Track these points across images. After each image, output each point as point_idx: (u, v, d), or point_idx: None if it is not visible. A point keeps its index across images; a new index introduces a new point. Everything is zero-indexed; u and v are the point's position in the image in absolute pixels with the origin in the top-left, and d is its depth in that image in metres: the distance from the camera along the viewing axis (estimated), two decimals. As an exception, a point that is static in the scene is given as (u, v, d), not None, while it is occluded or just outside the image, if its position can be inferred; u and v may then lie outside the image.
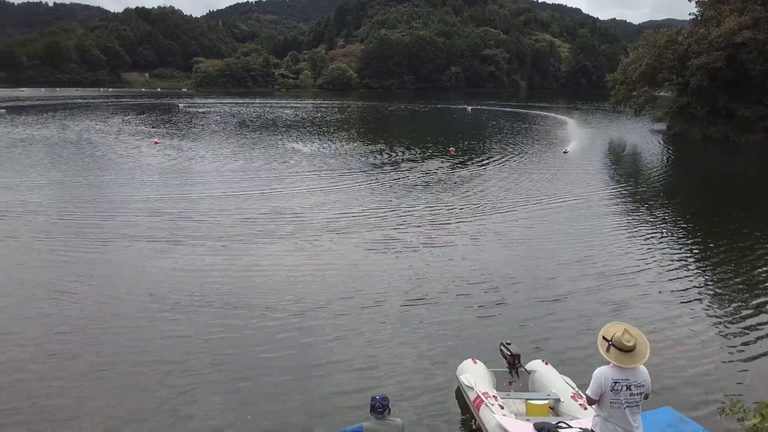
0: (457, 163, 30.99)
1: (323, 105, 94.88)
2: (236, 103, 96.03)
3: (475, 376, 7.97)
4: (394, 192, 23.35)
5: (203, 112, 73.15)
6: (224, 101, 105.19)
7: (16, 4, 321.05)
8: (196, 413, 7.84)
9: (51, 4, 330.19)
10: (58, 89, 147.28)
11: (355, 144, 40.17)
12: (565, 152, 34.25)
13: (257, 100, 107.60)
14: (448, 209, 20.34)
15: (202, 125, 54.87)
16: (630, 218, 19.66)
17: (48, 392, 8.28)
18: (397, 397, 7.79)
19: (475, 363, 8.35)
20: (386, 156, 33.98)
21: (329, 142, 41.14)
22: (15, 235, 16.41)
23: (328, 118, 66.18)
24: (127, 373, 8.85)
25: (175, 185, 24.52)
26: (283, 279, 12.96)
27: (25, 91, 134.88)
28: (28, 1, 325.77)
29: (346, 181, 25.83)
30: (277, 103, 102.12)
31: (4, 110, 65.68)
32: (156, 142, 39.00)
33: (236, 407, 8.00)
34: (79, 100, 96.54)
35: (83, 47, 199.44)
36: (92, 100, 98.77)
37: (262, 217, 18.81)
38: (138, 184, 24.70)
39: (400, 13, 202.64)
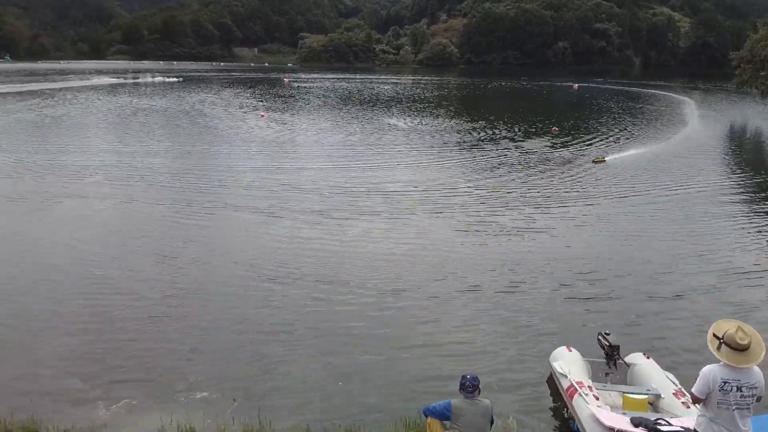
0: (559, 144, 29.62)
1: (422, 81, 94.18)
2: (338, 79, 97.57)
3: (569, 364, 7.67)
4: (493, 171, 22.70)
5: (307, 87, 74.95)
6: (326, 76, 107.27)
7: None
8: (287, 385, 7.99)
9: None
10: (175, 63, 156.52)
11: (453, 121, 39.49)
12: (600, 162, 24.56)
13: (358, 76, 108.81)
14: (549, 192, 19.46)
15: (305, 99, 56.22)
16: (756, 211, 17.86)
17: (153, 353, 8.75)
18: (487, 380, 7.54)
19: (570, 351, 8.03)
20: (485, 134, 33.12)
21: (427, 119, 40.73)
22: (130, 200, 17.58)
23: (426, 94, 65.60)
24: (225, 339, 9.20)
25: (277, 157, 25.27)
26: (377, 256, 12.94)
27: (146, 64, 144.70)
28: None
29: (443, 158, 25.44)
30: (377, 78, 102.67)
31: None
32: (262, 115, 40.40)
33: (327, 380, 8.07)
34: (194, 74, 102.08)
35: (198, 22, 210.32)
36: (205, 74, 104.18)
37: (358, 191, 18.93)
38: (243, 154, 25.69)
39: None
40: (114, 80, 78.62)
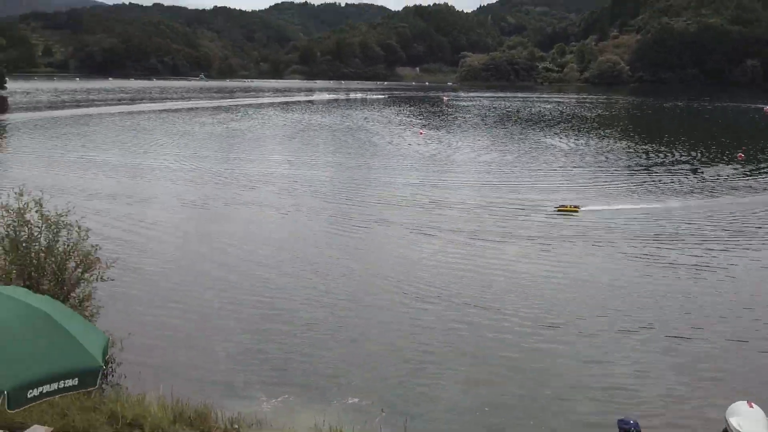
0: (746, 172, 26.43)
1: (588, 100, 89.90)
2: (497, 97, 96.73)
3: (750, 422, 6.63)
4: (664, 198, 20.83)
5: (465, 105, 75.31)
6: (485, 95, 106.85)
7: (316, 5, 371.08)
8: (433, 407, 7.90)
9: (343, 4, 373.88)
10: (343, 82, 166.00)
11: (621, 142, 37.09)
12: None
13: (518, 94, 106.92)
14: (734, 225, 17.37)
15: (464, 117, 56.49)
16: None
17: (311, 357, 9.19)
18: (652, 428, 6.85)
19: (752, 407, 6.93)
20: (657, 157, 30.62)
21: (591, 139, 38.71)
22: (296, 209, 18.83)
23: (592, 113, 62.45)
24: (375, 352, 9.37)
25: (432, 173, 25.57)
26: (530, 283, 12.44)
27: (318, 83, 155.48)
28: (325, 2, 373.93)
29: (607, 181, 23.93)
30: (538, 97, 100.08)
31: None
32: (420, 133, 41.29)
33: (474, 409, 7.86)
34: (359, 94, 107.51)
35: (366, 44, 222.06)
36: (369, 93, 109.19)
37: (511, 212, 18.44)
38: (400, 170, 26.36)
39: (687, 0, 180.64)
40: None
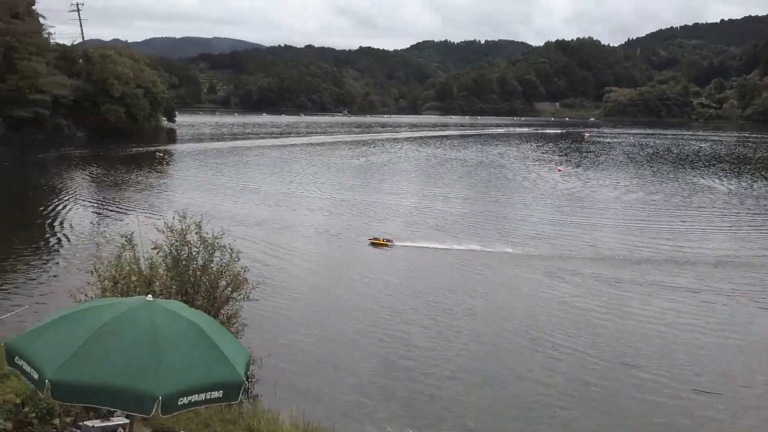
0: None
1: (750, 139, 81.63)
2: (645, 134, 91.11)
3: None
4: None
5: (609, 142, 71.77)
6: (631, 131, 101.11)
7: (456, 42, 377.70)
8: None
9: (483, 42, 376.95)
10: (479, 117, 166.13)
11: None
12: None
13: (669, 131, 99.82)
14: None
15: (607, 155, 53.82)
16: None
17: (433, 396, 9.08)
18: None
19: None
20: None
21: (755, 182, 34.98)
22: (426, 238, 18.88)
23: (755, 154, 56.52)
24: (499, 399, 9.06)
25: (569, 211, 24.50)
26: (680, 338, 11.25)
27: (453, 119, 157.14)
28: (465, 40, 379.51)
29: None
30: (692, 135, 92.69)
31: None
32: (559, 169, 39.97)
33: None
34: (494, 129, 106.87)
35: (504, 79, 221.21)
36: (506, 128, 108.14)
37: (657, 258, 17.03)
38: (535, 206, 25.57)
39: None
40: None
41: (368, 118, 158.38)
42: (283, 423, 6.69)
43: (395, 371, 9.76)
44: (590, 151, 57.66)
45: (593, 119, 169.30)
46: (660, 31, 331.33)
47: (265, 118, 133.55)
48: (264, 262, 15.74)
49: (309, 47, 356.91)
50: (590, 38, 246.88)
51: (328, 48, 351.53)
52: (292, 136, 74.83)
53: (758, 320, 12.32)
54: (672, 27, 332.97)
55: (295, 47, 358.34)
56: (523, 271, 15.83)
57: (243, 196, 27.25)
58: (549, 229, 21.07)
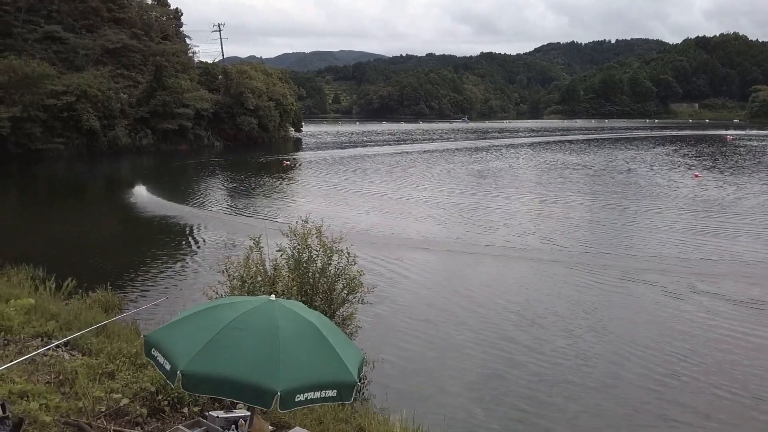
0: None
1: None
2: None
3: None
4: None
5: (755, 146, 65.02)
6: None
7: (583, 43, 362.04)
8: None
9: (613, 41, 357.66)
10: (606, 120, 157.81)
11: None
12: None
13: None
14: None
15: (753, 159, 48.79)
16: None
17: (542, 415, 8.74)
18: None
19: None
20: None
21: None
22: (549, 255, 18.20)
23: None
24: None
25: (709, 220, 22.43)
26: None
27: (578, 122, 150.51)
28: (593, 41, 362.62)
29: None
30: None
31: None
32: (696, 175, 36.88)
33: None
34: (624, 132, 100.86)
35: (636, 80, 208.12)
36: (637, 132, 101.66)
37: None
38: (669, 215, 23.73)
39: None
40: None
41: (486, 124, 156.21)
42: (393, 425, 6.77)
43: (505, 381, 9.51)
44: (733, 155, 52.56)
45: (737, 120, 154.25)
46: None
47: (384, 126, 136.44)
48: (379, 266, 16.05)
49: (429, 55, 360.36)
50: (735, 33, 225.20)
51: (449, 55, 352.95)
52: (408, 143, 75.77)
53: None
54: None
55: (416, 56, 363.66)
56: (653, 290, 14.68)
57: (361, 201, 28.01)
58: (683, 240, 19.46)
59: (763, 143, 68.85)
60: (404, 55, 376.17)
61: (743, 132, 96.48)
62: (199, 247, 19.05)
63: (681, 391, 9.19)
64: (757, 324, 11.99)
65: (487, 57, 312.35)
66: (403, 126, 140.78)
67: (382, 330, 11.57)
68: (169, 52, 65.59)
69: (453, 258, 17.55)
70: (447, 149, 64.45)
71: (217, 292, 8.69)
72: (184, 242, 19.99)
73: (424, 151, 61.46)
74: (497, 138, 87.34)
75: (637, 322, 12.23)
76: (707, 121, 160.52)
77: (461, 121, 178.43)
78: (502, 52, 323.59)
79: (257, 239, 9.29)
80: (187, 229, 22.28)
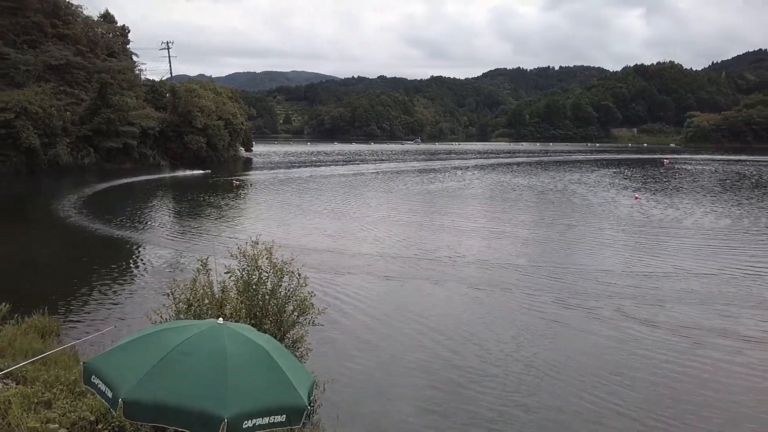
0: None
1: None
2: (730, 161, 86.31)
3: None
4: None
5: (691, 169, 68.45)
6: (716, 157, 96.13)
7: (528, 70, 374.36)
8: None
9: (557, 68, 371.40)
10: (551, 144, 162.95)
11: None
12: None
13: (757, 158, 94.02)
14: None
15: (688, 182, 51.31)
16: None
17: (489, 417, 8.82)
18: None
19: None
20: None
21: None
22: (494, 277, 18.53)
23: None
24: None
25: (647, 243, 23.35)
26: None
27: (524, 145, 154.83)
28: (538, 67, 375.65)
29: None
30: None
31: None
32: (636, 197, 38.43)
33: None
34: (567, 156, 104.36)
35: (578, 105, 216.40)
36: (579, 155, 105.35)
37: (739, 304, 15.69)
38: (610, 237, 24.54)
39: None
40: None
41: (437, 146, 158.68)
42: (345, 450, 6.69)
43: (454, 401, 9.57)
44: (671, 178, 55.14)
45: (674, 145, 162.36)
46: (747, 54, 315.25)
47: (335, 147, 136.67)
48: (329, 287, 15.95)
49: (381, 78, 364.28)
50: (671, 62, 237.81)
51: (400, 78, 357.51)
52: (359, 164, 76.13)
53: None
54: (761, 49, 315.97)
55: (368, 78, 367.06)
56: (599, 316, 15.12)
57: (312, 222, 27.85)
58: (623, 262, 20.16)
59: (698, 167, 72.53)
60: (356, 77, 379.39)
61: (679, 156, 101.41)
62: (143, 270, 18.45)
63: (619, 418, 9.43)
64: (688, 349, 12.46)
65: (437, 81, 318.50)
66: (355, 147, 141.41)
67: (333, 351, 11.47)
68: (114, 69, 64.01)
69: (403, 279, 17.60)
70: (399, 170, 65.07)
71: (161, 316, 8.42)
72: (127, 265, 19.32)
73: (376, 172, 61.86)
74: (447, 159, 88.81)
75: (583, 348, 12.53)
76: (645, 145, 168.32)
77: (413, 142, 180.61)
78: (452, 77, 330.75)
79: (205, 261, 9.09)
80: (131, 250, 21.59)
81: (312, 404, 6.23)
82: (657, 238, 24.34)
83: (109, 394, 4.08)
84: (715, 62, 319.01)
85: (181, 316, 8.34)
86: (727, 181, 52.75)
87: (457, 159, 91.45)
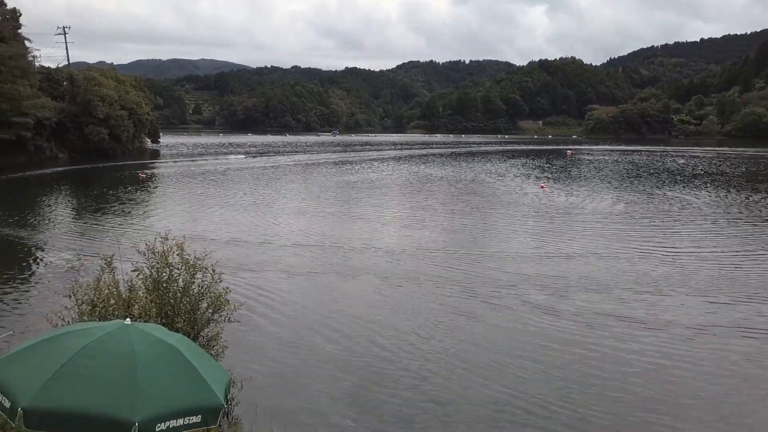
0: None
1: (729, 154, 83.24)
2: (626, 151, 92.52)
3: None
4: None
5: (591, 159, 72.70)
6: (614, 148, 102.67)
7: (441, 63, 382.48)
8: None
9: (467, 62, 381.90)
10: (463, 135, 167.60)
11: (764, 196, 33.92)
12: None
13: (651, 147, 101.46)
14: None
15: (589, 171, 54.50)
16: None
17: (411, 415, 9.06)
18: None
19: None
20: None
21: (727, 194, 35.77)
22: (411, 265, 18.91)
23: (733, 169, 57.55)
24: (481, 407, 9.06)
25: (552, 229, 24.65)
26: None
27: (438, 137, 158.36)
28: (450, 60, 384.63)
29: (750, 240, 21.69)
30: (673, 150, 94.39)
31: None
32: (542, 186, 40.36)
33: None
34: (479, 147, 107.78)
35: (488, 98, 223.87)
36: (490, 146, 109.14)
37: (624, 283, 17.02)
38: (519, 225, 25.64)
39: None
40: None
41: (353, 137, 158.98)
42: (264, 446, 6.64)
43: (373, 393, 9.72)
44: (574, 167, 58.36)
45: (576, 136, 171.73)
46: (641, 50, 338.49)
47: (249, 138, 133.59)
48: (245, 282, 15.67)
49: (295, 68, 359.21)
50: (572, 58, 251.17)
51: (314, 68, 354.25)
52: (275, 155, 74.97)
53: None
54: (653, 46, 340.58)
55: (282, 68, 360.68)
56: (518, 306, 15.80)
57: (226, 215, 27.16)
58: (531, 247, 21.17)
59: (598, 157, 77.16)
60: (269, 66, 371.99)
61: (581, 147, 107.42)
62: (42, 272, 17.27)
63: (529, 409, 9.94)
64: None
65: (352, 72, 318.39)
66: (270, 138, 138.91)
67: (249, 348, 11.29)
68: (4, 55, 58.95)
69: (319, 272, 17.57)
70: (316, 162, 64.63)
71: (63, 320, 7.95)
72: (23, 267, 18.02)
73: (293, 164, 61.13)
74: (364, 151, 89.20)
75: (495, 333, 13.07)
76: (550, 136, 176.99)
77: (331, 134, 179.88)
78: (367, 68, 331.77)
79: (109, 259, 8.66)
80: (28, 252, 20.14)
81: (229, 402, 6.12)
82: (561, 225, 25.72)
83: (7, 404, 3.84)
84: (612, 58, 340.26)
85: (85, 318, 7.92)
86: (624, 170, 56.50)
87: (374, 150, 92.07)
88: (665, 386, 9.84)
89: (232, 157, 69.92)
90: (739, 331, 12.46)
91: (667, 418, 8.84)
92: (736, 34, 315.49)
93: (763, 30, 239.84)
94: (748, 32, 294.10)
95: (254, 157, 71.80)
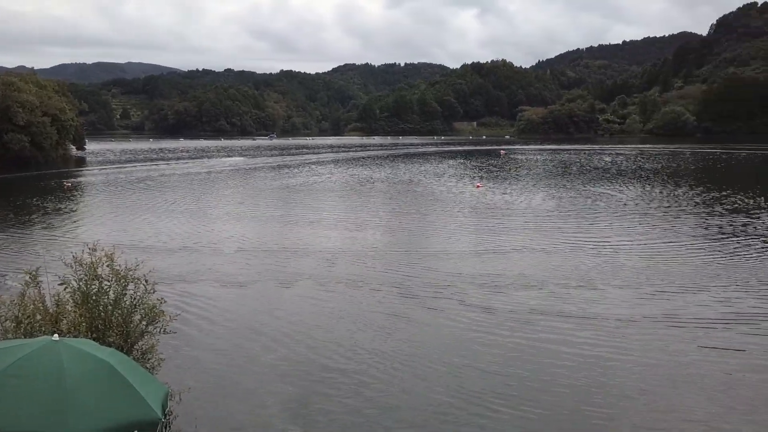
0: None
1: (651, 150, 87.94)
2: (556, 150, 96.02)
3: None
4: (754, 254, 19.65)
5: (523, 159, 74.99)
6: (544, 147, 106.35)
7: (376, 65, 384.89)
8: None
9: (402, 65, 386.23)
10: (400, 137, 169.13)
11: (686, 190, 36.07)
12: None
13: (578, 146, 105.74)
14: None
15: (522, 170, 56.21)
16: None
17: (356, 418, 9.10)
18: None
19: None
20: (732, 204, 29.48)
21: (651, 189, 37.74)
22: (353, 268, 18.93)
23: (653, 165, 60.84)
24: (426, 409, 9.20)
25: (490, 227, 25.25)
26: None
27: (376, 139, 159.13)
28: (385, 63, 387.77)
29: (675, 232, 23.00)
30: (600, 149, 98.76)
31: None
32: (478, 186, 41.28)
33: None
34: (416, 148, 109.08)
35: (424, 100, 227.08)
36: (427, 147, 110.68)
37: (564, 278, 17.81)
38: (456, 225, 26.10)
39: (756, 49, 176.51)
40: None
41: (291, 141, 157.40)
42: (205, 458, 6.50)
43: (319, 398, 9.65)
44: (507, 167, 60.03)
45: (508, 137, 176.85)
46: (568, 53, 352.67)
47: (181, 143, 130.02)
48: (180, 291, 15.25)
49: (228, 71, 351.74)
50: (503, 60, 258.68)
51: (248, 71, 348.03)
52: (209, 159, 73.23)
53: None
54: (578, 49, 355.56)
55: (214, 71, 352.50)
56: (455, 308, 16.06)
57: (159, 223, 26.31)
58: (471, 245, 21.62)
59: (530, 156, 79.74)
60: (201, 69, 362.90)
61: (513, 147, 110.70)
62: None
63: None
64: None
65: (288, 75, 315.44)
66: (204, 143, 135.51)
67: (187, 359, 10.99)
68: None
69: (257, 280, 17.29)
70: (253, 166, 63.56)
71: (-15, 339, 7.49)
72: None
73: (229, 168, 59.88)
74: (301, 154, 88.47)
75: (437, 335, 13.26)
76: (484, 137, 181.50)
77: (268, 137, 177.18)
78: (302, 71, 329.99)
79: (34, 273, 8.25)
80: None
81: (167, 416, 5.95)
82: (497, 223, 26.39)
83: None
84: (540, 60, 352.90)
85: (9, 335, 7.51)
86: (554, 168, 58.62)
87: (312, 154, 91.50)
88: (599, 378, 10.23)
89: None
90: (666, 321, 13.16)
91: (602, 409, 9.20)
92: (656, 37, 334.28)
93: (681, 32, 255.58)
94: (666, 35, 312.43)
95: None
